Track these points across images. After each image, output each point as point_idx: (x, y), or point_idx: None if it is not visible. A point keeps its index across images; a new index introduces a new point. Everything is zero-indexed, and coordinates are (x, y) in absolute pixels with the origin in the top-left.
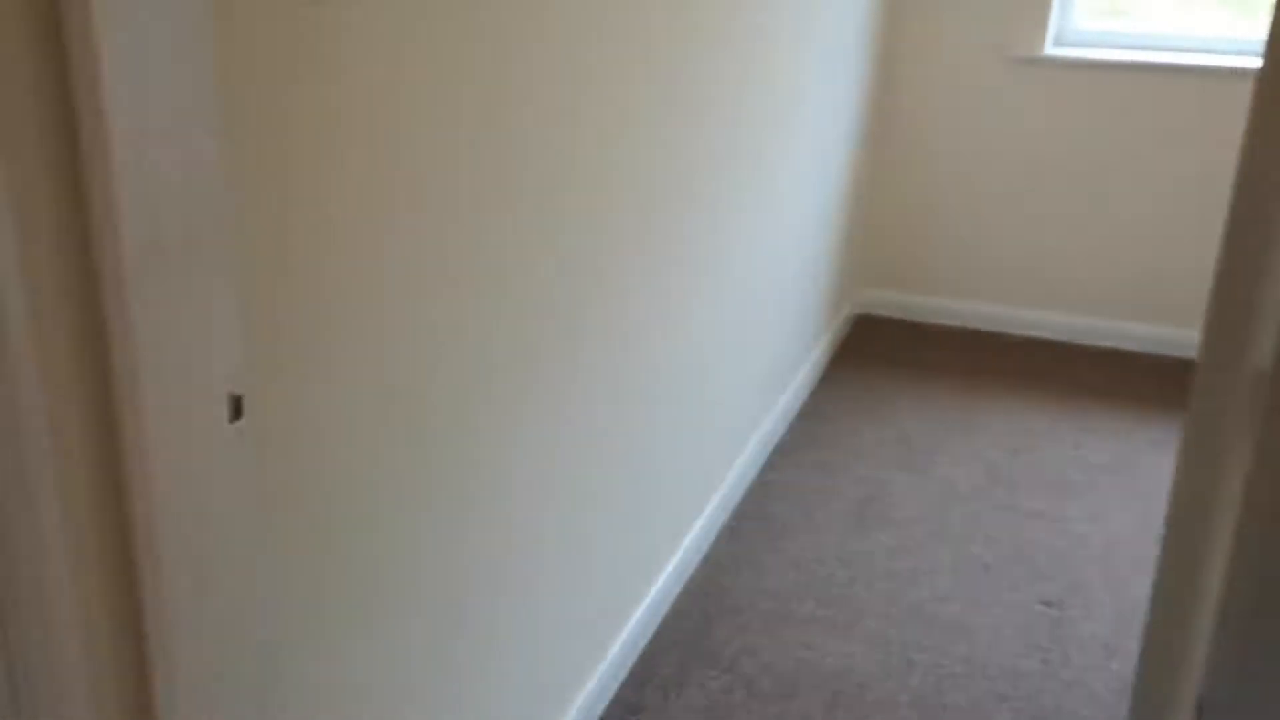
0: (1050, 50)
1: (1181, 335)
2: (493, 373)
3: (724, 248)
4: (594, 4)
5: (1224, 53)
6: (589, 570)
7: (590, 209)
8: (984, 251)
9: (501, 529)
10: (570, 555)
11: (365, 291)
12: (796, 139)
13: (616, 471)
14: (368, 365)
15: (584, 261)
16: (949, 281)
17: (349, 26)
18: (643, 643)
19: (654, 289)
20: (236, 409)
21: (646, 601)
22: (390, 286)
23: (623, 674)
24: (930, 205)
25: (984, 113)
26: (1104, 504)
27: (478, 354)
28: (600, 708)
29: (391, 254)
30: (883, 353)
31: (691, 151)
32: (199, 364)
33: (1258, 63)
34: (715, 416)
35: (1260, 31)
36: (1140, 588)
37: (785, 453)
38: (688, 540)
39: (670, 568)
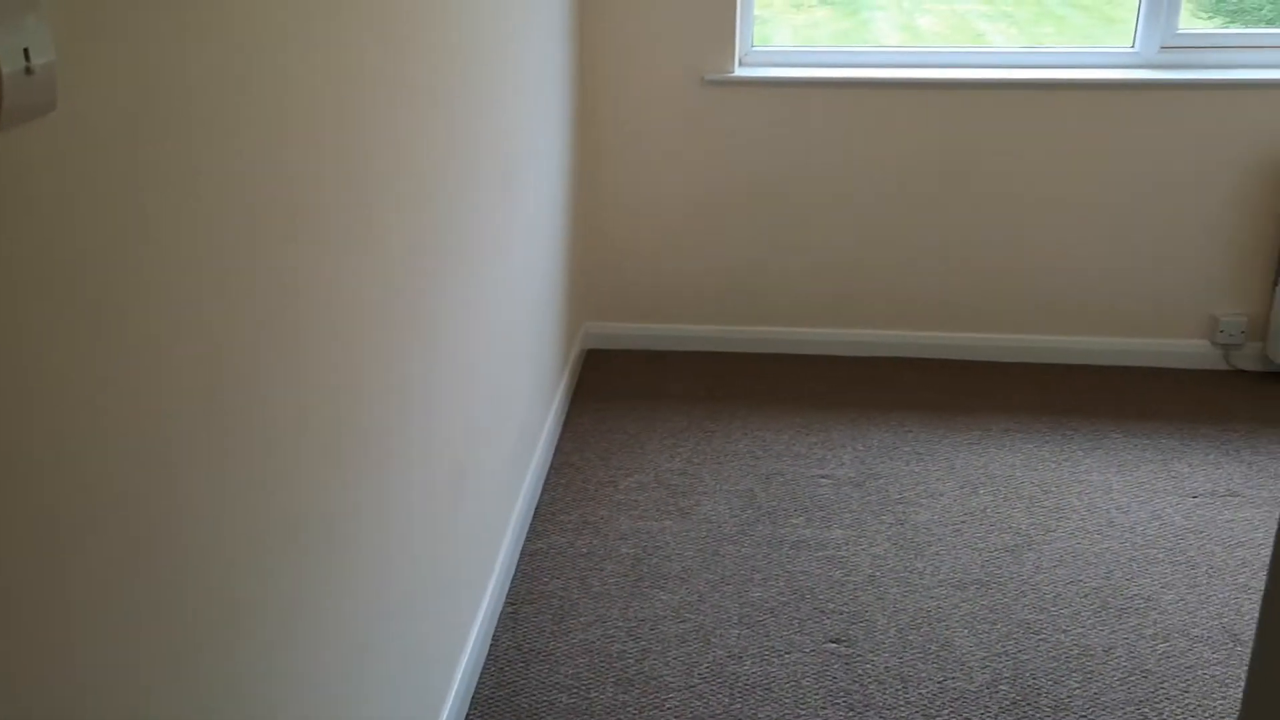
0: (740, 71)
1: (891, 337)
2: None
3: (463, 308)
4: (302, 69)
5: (906, 66)
6: (365, 708)
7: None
8: (701, 273)
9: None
10: (339, 697)
11: None
12: (520, 189)
13: (369, 600)
14: None
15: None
16: (672, 307)
17: None
18: None
19: (395, 384)
20: None
21: None
22: None
23: None
24: (643, 233)
25: (683, 136)
26: (859, 523)
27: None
28: None
29: None
30: (621, 389)
31: (415, 226)
32: None
33: (939, 73)
34: (474, 501)
35: (936, 43)
36: (911, 607)
37: (547, 516)
38: (470, 644)
39: (456, 682)
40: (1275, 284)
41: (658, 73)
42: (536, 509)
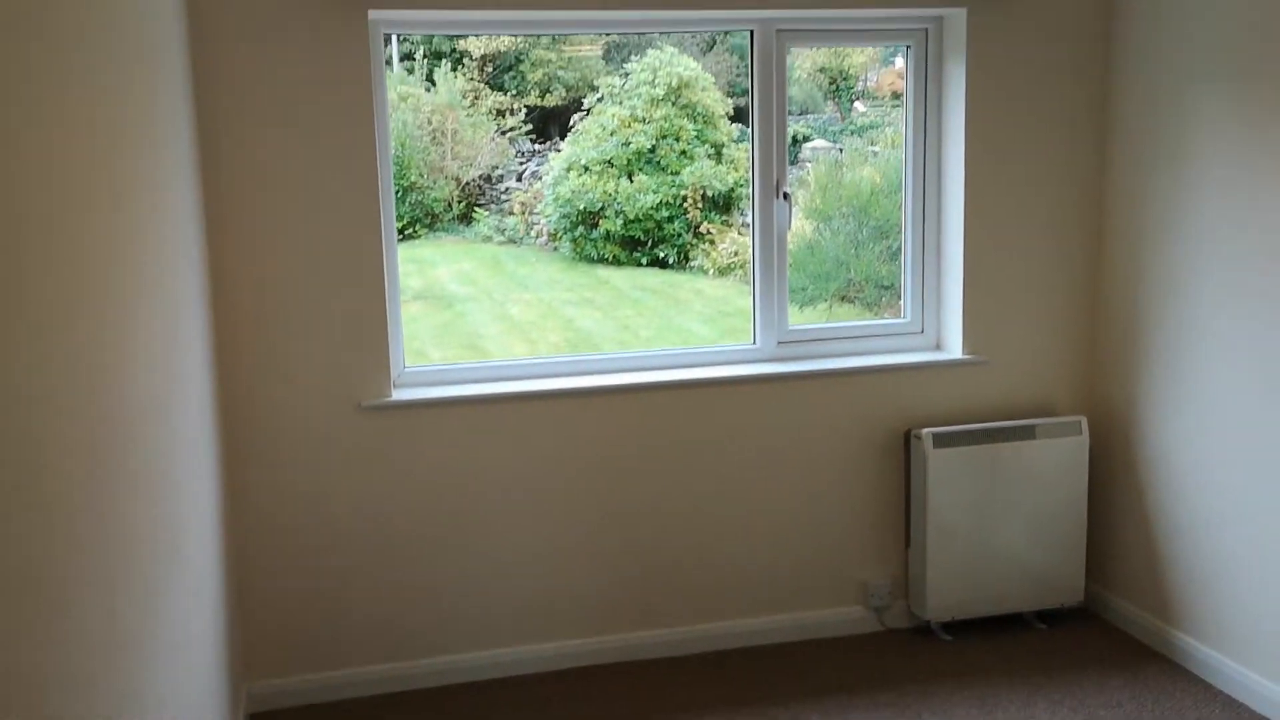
0: (396, 394)
1: (590, 645)
2: None
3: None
4: None
5: (561, 376)
6: None
7: None
8: (374, 609)
9: None
10: None
11: None
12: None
13: None
14: None
15: None
16: (347, 650)
17: None
18: None
19: None
20: None
21: None
22: None
23: None
24: (309, 575)
25: (344, 467)
26: None
27: None
28: None
29: None
30: None
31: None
32: None
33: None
34: None
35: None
36: None
37: None
38: None
39: None
40: (907, 545)
41: (310, 403)
42: None
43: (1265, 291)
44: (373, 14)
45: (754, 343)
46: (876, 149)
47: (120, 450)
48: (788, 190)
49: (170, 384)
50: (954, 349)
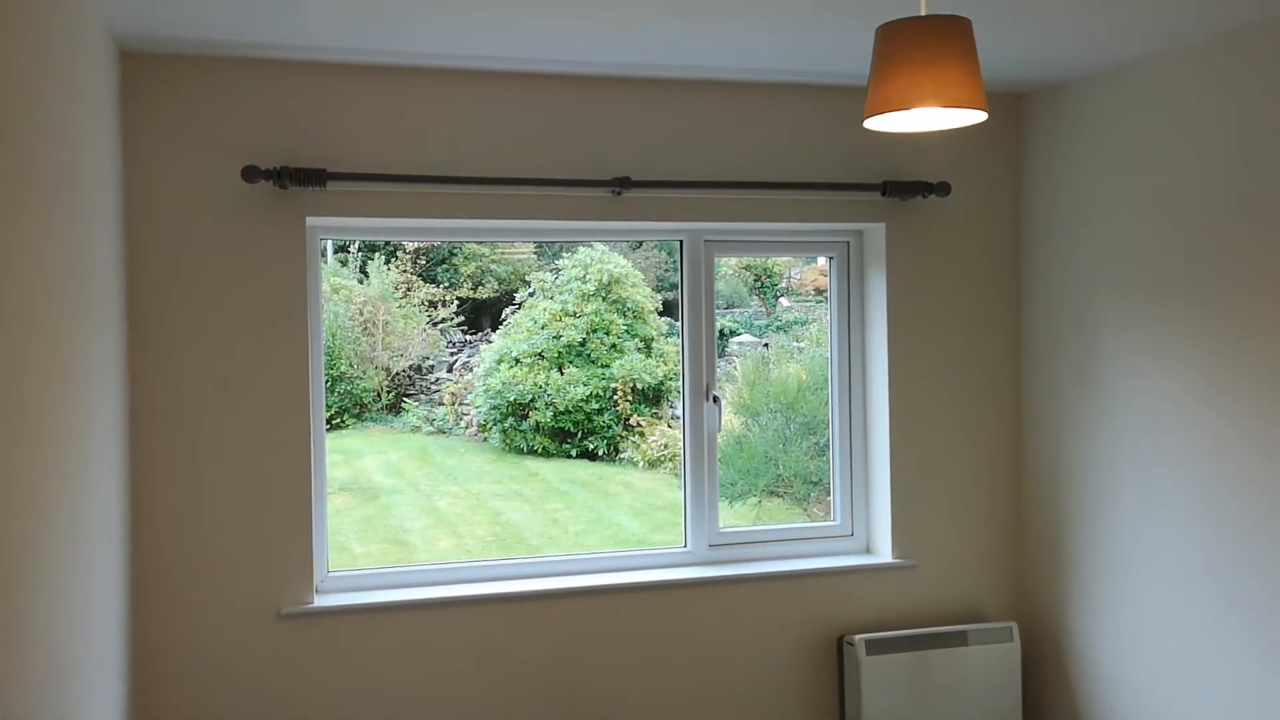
0: (319, 600)
1: None
2: None
3: None
4: None
5: (490, 580)
6: None
7: None
8: None
9: None
10: None
11: None
12: None
13: None
14: None
15: None
16: None
17: None
18: None
19: None
20: None
21: None
22: None
23: None
24: None
25: (263, 679)
26: None
27: None
28: None
29: None
30: None
31: None
32: None
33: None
34: None
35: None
36: None
37: None
38: None
39: None
40: None
41: (227, 610)
42: None
43: (1177, 502)
44: (310, 220)
45: (685, 545)
46: (802, 345)
47: (20, 664)
48: (717, 394)
49: (71, 604)
50: (884, 552)
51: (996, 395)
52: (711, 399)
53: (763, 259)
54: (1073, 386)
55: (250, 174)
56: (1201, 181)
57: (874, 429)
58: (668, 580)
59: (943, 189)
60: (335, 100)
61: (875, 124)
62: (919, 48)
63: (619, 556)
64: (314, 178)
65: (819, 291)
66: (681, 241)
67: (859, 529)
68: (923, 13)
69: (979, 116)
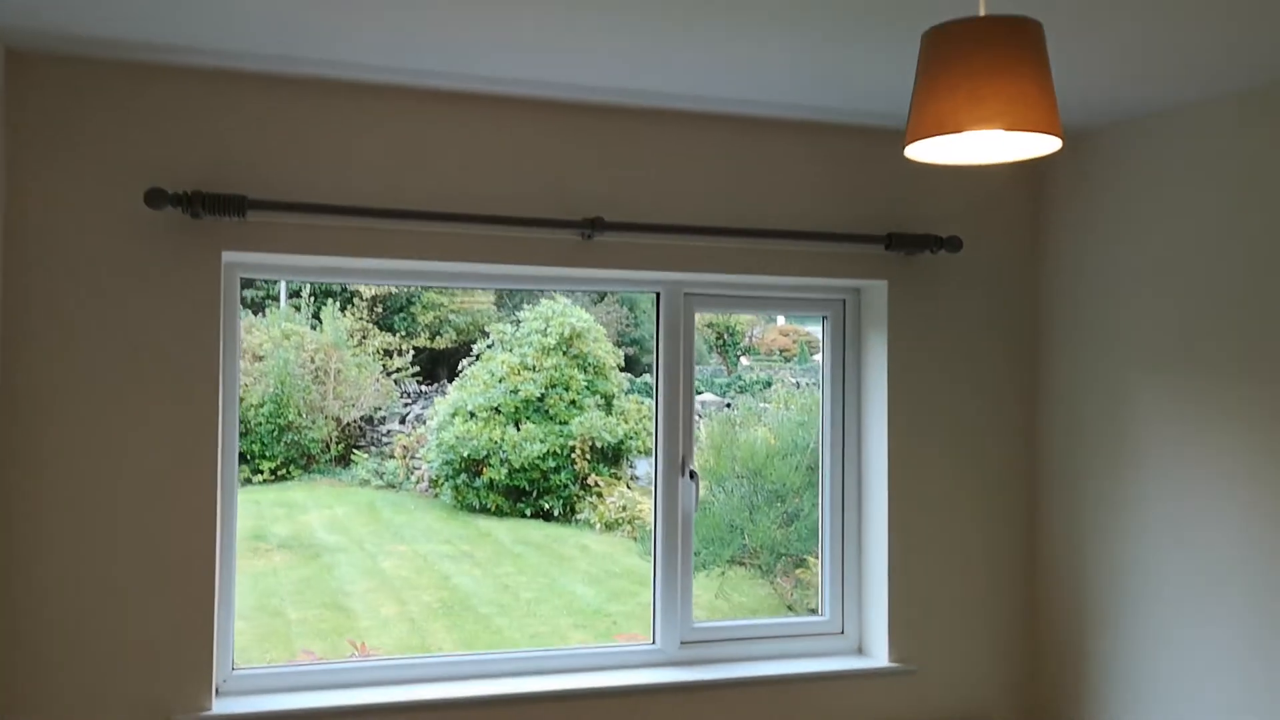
0: (218, 707)
1: None
2: None
3: None
4: None
5: (433, 680)
6: None
7: None
8: None
9: None
10: None
11: None
12: None
13: None
14: None
15: None
16: None
17: None
18: None
19: None
20: None
21: None
22: None
23: None
24: None
25: None
26: None
27: None
28: None
29: None
30: None
31: None
32: None
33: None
34: None
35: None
36: None
37: None
38: None
39: None
40: None
41: (108, 715)
42: None
43: (1221, 608)
44: (227, 255)
45: (654, 642)
46: (768, 406)
47: None
48: (694, 469)
49: None
50: (879, 655)
51: (1009, 479)
52: (688, 474)
53: (724, 317)
54: (1098, 473)
55: (155, 198)
56: (1257, 241)
57: (869, 512)
58: (634, 685)
59: (953, 244)
60: (261, 116)
61: (918, 152)
62: (978, 56)
63: (577, 654)
64: (232, 205)
65: (782, 352)
66: (659, 294)
67: (850, 626)
68: (981, 13)
69: (1053, 144)
